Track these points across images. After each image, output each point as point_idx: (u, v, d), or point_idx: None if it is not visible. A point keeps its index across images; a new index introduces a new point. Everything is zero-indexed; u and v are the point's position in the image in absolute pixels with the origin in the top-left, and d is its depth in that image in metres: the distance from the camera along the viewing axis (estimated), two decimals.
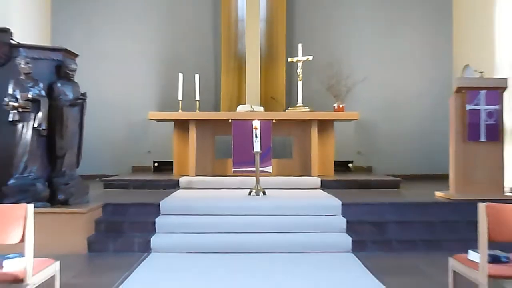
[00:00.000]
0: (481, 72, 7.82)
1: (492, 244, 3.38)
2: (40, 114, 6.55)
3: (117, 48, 12.02)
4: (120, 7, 12.10)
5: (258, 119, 8.32)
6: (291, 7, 12.27)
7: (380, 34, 12.10)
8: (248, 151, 8.36)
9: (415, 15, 12.09)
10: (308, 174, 9.69)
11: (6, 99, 6.46)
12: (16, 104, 6.45)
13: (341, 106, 10.50)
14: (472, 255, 3.57)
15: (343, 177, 9.80)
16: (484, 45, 9.62)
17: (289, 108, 10.82)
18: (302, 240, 6.52)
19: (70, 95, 6.84)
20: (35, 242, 3.39)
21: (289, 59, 11.19)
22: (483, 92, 7.41)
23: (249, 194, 7.81)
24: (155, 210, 7.00)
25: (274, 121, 9.42)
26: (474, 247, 3.51)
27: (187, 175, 9.55)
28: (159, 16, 12.20)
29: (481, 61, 9.16)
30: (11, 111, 6.46)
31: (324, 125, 10.04)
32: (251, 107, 10.39)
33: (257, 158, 8.05)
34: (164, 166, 11.19)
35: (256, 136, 7.99)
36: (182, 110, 10.16)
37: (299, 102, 10.75)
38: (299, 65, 10.77)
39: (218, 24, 12.20)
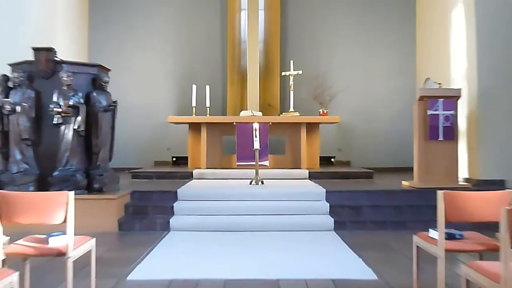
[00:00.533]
0: (439, 83, 7.82)
1: (448, 224, 3.38)
2: (79, 118, 6.60)
3: (142, 63, 12.01)
4: (145, 29, 12.07)
5: (258, 122, 8.36)
6: (284, 30, 12.26)
7: (357, 52, 12.08)
8: (249, 148, 8.39)
9: (386, 38, 12.06)
10: (298, 167, 9.66)
11: (51, 106, 6.51)
12: (59, 110, 6.49)
13: (325, 111, 10.51)
14: (432, 233, 3.57)
15: (327, 170, 9.79)
16: (441, 61, 9.63)
17: (283, 113, 10.81)
18: (293, 221, 6.55)
19: (104, 103, 6.88)
20: (75, 223, 3.39)
21: (283, 73, 11.19)
22: (441, 100, 7.45)
23: (250, 183, 7.82)
24: (173, 196, 7.02)
25: (270, 124, 9.42)
26: (434, 227, 3.51)
27: (200, 168, 9.54)
28: (177, 37, 12.16)
29: (439, 74, 9.16)
30: (55, 115, 6.51)
31: (311, 127, 10.02)
32: (252, 112, 10.39)
33: (257, 154, 8.08)
34: (181, 161, 11.17)
35: (255, 136, 8.03)
36: (195, 115, 10.15)
37: (291, 108, 10.75)
38: (291, 78, 10.78)
39: (225, 44, 12.19)
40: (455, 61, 8.93)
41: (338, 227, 6.48)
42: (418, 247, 3.77)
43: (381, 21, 12.10)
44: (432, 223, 3.62)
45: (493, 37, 7.98)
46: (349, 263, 4.81)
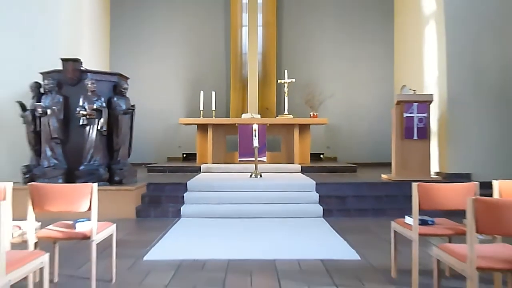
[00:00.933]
0: (414, 90, 7.82)
1: (421, 211, 3.39)
2: (102, 120, 6.63)
3: (157, 72, 12.00)
4: (160, 42, 12.06)
5: (257, 124, 8.36)
6: (279, 44, 12.25)
7: (343, 63, 12.07)
8: (249, 146, 8.38)
9: (368, 51, 12.06)
10: (292, 162, 9.68)
11: (78, 109, 6.54)
12: (84, 112, 6.51)
13: (315, 114, 10.50)
14: (408, 220, 3.57)
15: (317, 164, 9.77)
16: (415, 70, 9.62)
17: (279, 115, 10.79)
18: (287, 209, 6.55)
19: (123, 106, 6.88)
20: (98, 210, 3.40)
21: (279, 81, 11.21)
22: (415, 104, 7.44)
23: (250, 176, 7.82)
24: (184, 187, 7.02)
25: (268, 125, 9.39)
26: (409, 214, 3.51)
27: (206, 163, 9.55)
28: (187, 50, 12.15)
29: (414, 82, 9.17)
30: (81, 117, 6.53)
31: (303, 128, 10.01)
32: (252, 115, 10.40)
33: (256, 151, 8.09)
34: (190, 157, 11.17)
35: (255, 136, 8.02)
36: (202, 117, 10.16)
37: (286, 112, 10.74)
38: (286, 85, 10.78)
39: (229, 56, 12.18)
40: (428, 70, 8.93)
41: (326, 214, 6.49)
42: (395, 232, 3.77)
43: (364, 36, 12.11)
44: (407, 211, 3.62)
45: (460, 49, 7.97)
46: (335, 245, 4.81)
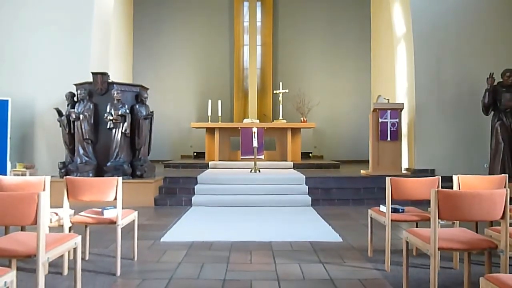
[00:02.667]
0: (387, 99, 7.83)
1: (393, 201, 3.38)
2: (125, 124, 6.62)
3: (172, 83, 12.04)
4: (175, 58, 12.09)
5: (256, 127, 8.38)
6: (275, 60, 12.28)
7: (328, 76, 12.12)
8: (250, 146, 8.42)
9: (349, 66, 12.11)
10: (285, 160, 9.67)
11: (106, 115, 6.53)
12: (111, 117, 6.51)
13: (305, 119, 10.52)
14: (382, 208, 3.57)
15: (306, 162, 9.79)
16: (389, 82, 9.63)
17: (274, 120, 10.82)
18: (281, 199, 6.55)
19: (144, 113, 6.87)
20: (122, 200, 3.39)
21: (274, 92, 11.23)
22: (389, 111, 7.44)
23: (250, 171, 7.81)
24: (195, 181, 7.01)
25: (265, 128, 9.42)
26: (383, 203, 3.50)
27: (214, 160, 9.53)
28: (198, 65, 12.19)
29: (388, 92, 9.18)
30: (108, 122, 6.53)
31: (295, 131, 10.01)
32: (252, 120, 10.42)
33: (255, 150, 8.09)
34: (200, 155, 11.19)
35: (254, 137, 8.05)
36: (210, 122, 10.17)
37: (280, 117, 10.77)
38: (280, 95, 10.80)
39: (233, 70, 12.20)
40: (399, 82, 8.94)
41: (314, 203, 6.48)
42: (371, 218, 3.76)
43: (345, 54, 12.18)
44: (382, 201, 3.62)
45: (426, 66, 7.99)
46: (321, 229, 4.82)
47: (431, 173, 7.68)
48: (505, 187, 3.58)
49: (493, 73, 7.13)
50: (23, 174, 6.94)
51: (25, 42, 7.74)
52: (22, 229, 3.24)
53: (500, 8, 8.10)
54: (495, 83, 7.15)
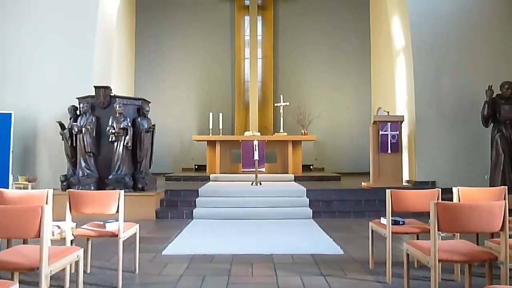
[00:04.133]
0: (387, 111, 7.88)
1: (394, 213, 3.39)
2: (127, 137, 6.64)
3: (174, 97, 12.09)
4: (176, 71, 12.18)
5: (257, 140, 8.40)
6: (276, 73, 12.37)
7: (328, 89, 12.18)
8: (251, 158, 8.40)
9: (349, 79, 12.18)
10: (286, 172, 9.66)
11: (108, 128, 6.56)
12: (113, 130, 6.54)
13: (305, 132, 10.55)
14: (383, 220, 3.56)
15: (307, 174, 9.79)
16: (389, 95, 9.70)
17: (275, 133, 10.84)
18: (282, 211, 6.53)
19: (145, 126, 6.89)
20: (124, 212, 3.40)
21: (275, 104, 11.28)
22: (389, 123, 7.49)
23: (252, 184, 7.79)
24: (196, 193, 7.00)
25: (266, 141, 9.45)
26: (384, 216, 3.50)
27: (215, 173, 9.52)
28: (199, 78, 12.26)
29: (388, 104, 9.22)
30: (110, 135, 6.55)
31: (296, 143, 10.02)
32: (253, 132, 10.45)
33: (256, 163, 8.07)
34: (201, 167, 11.16)
35: (255, 150, 8.03)
36: (212, 135, 10.17)
37: (281, 130, 10.79)
38: (281, 107, 10.83)
39: (234, 83, 12.29)
40: (399, 94, 8.98)
41: (315, 215, 6.46)
42: (372, 230, 3.76)
43: (346, 67, 12.25)
44: (383, 213, 3.62)
45: (425, 78, 8.05)
46: (322, 242, 4.81)
47: (432, 185, 7.65)
48: (504, 199, 3.59)
49: (491, 86, 7.19)
50: (25, 187, 6.97)
51: (28, 56, 7.83)
52: (24, 242, 3.25)
53: (499, 21, 8.19)
54: (494, 95, 7.20)
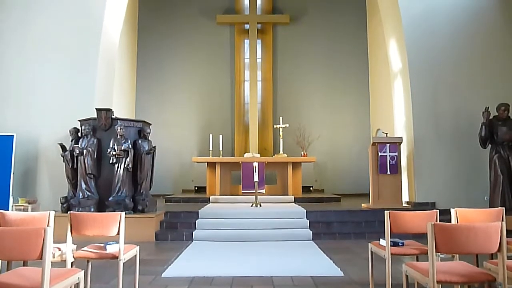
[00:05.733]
0: (386, 133, 7.95)
1: (393, 235, 3.40)
2: (128, 159, 6.66)
3: (174, 119, 12.19)
4: (176, 94, 12.32)
5: (257, 161, 8.45)
6: (275, 95, 12.52)
7: (327, 111, 12.30)
8: (251, 180, 8.43)
9: (348, 100, 12.31)
10: (286, 193, 9.64)
11: (109, 150, 6.60)
12: (114, 152, 6.57)
13: (305, 153, 10.56)
14: (382, 242, 3.57)
15: (307, 195, 9.77)
16: (388, 117, 9.78)
17: (275, 155, 10.85)
18: (282, 233, 6.51)
19: (146, 148, 6.94)
20: (125, 234, 3.42)
21: (275, 126, 11.34)
22: (388, 145, 7.55)
23: (251, 205, 7.80)
24: (196, 215, 7.00)
25: (266, 162, 9.48)
26: (383, 237, 3.51)
27: (215, 194, 9.51)
28: (199, 100, 12.40)
29: (386, 125, 9.30)
30: (111, 157, 6.59)
31: (295, 165, 10.03)
32: (253, 154, 10.49)
33: (256, 184, 8.08)
34: (201, 189, 11.16)
35: (255, 171, 8.06)
36: (212, 156, 10.20)
37: (281, 151, 10.83)
38: (281, 129, 10.90)
39: (234, 105, 12.41)
40: (398, 116, 9.06)
41: (315, 237, 6.45)
42: (372, 252, 3.76)
43: (344, 88, 12.39)
44: (383, 234, 3.63)
45: (422, 100, 8.13)
46: (323, 264, 4.80)
47: (432, 206, 7.65)
48: (502, 220, 3.62)
49: (488, 107, 7.29)
50: (25, 209, 6.96)
51: (31, 78, 7.94)
52: (25, 264, 3.26)
53: (496, 42, 8.33)
54: (491, 117, 7.29)
